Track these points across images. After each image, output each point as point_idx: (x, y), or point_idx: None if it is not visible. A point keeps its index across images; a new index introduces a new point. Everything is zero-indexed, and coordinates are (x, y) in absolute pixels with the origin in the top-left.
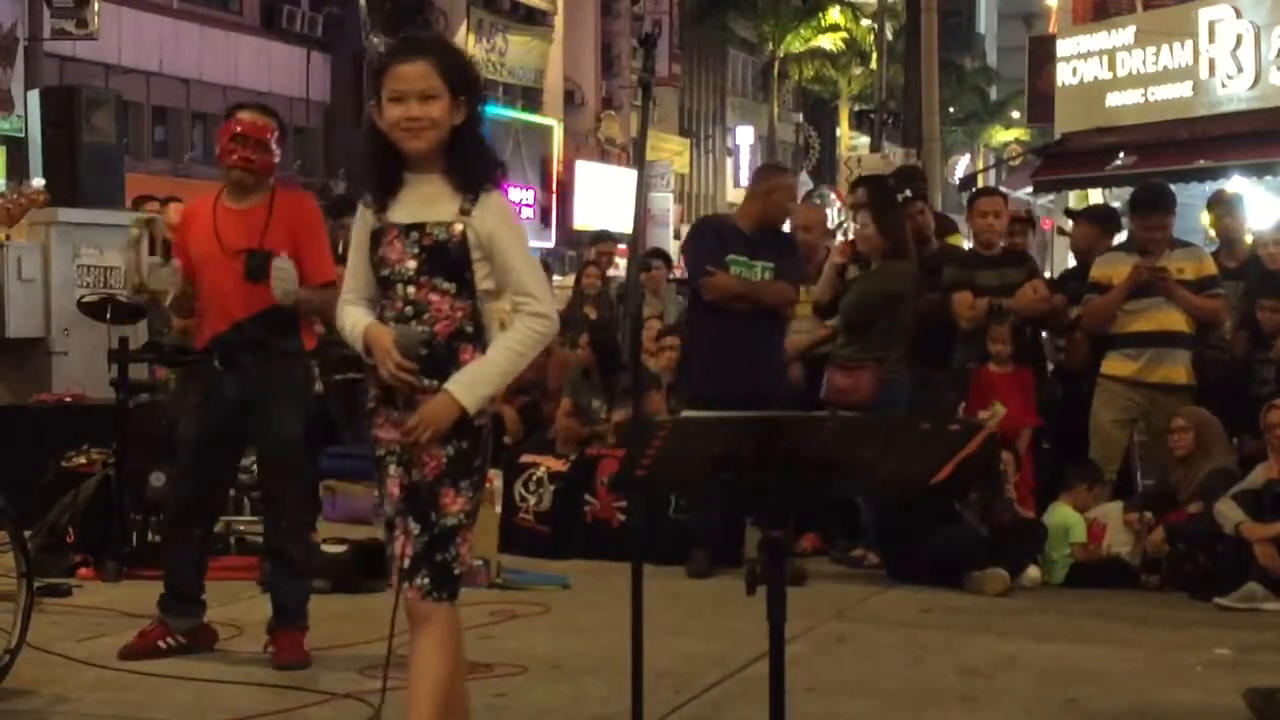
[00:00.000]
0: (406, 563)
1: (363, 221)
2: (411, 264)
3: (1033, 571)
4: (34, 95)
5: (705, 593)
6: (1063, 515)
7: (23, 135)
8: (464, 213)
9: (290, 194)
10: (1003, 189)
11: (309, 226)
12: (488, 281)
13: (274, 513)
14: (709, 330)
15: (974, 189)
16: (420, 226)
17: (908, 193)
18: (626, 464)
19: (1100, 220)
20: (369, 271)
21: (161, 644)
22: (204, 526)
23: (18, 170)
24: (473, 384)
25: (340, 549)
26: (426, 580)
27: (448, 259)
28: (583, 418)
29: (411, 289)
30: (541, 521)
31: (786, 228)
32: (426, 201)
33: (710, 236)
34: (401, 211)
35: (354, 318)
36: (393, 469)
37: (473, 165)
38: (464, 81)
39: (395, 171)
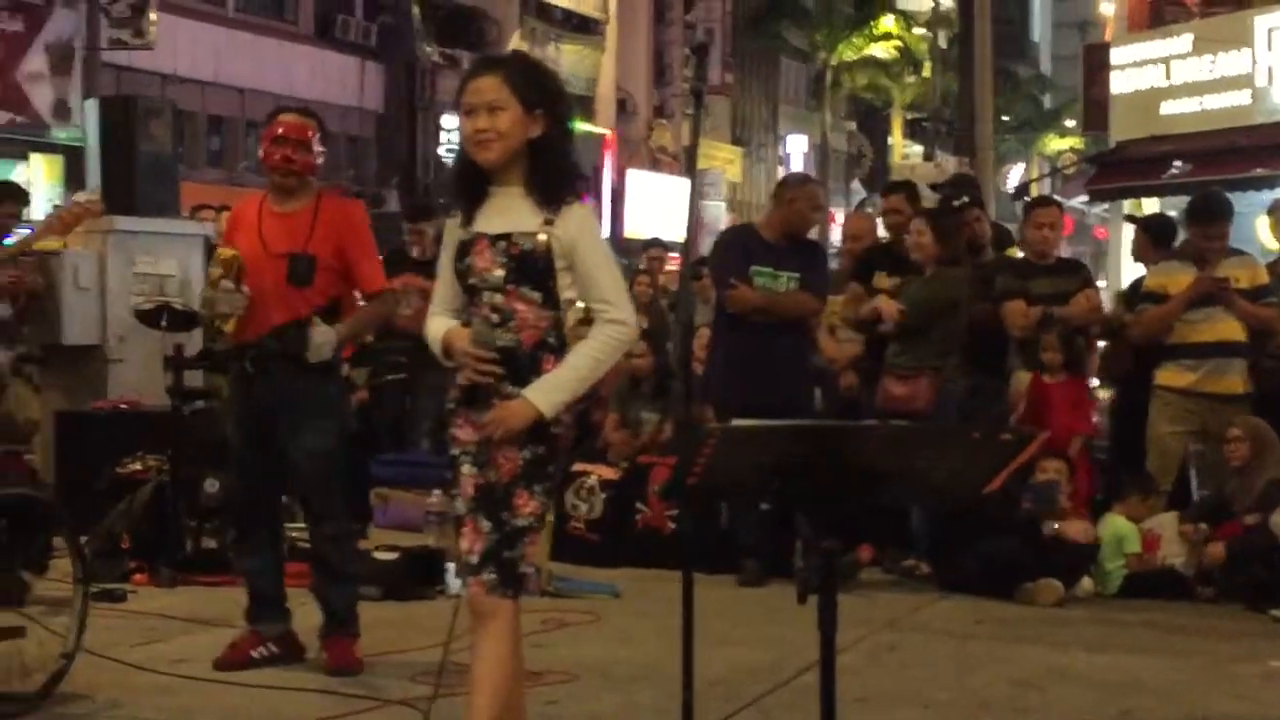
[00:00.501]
0: (474, 559)
1: (451, 233)
2: (499, 273)
3: (1086, 582)
4: (91, 105)
5: (756, 601)
6: (1116, 526)
7: (81, 144)
8: (547, 223)
9: (337, 200)
10: (1057, 198)
11: (357, 234)
12: (571, 291)
13: (313, 521)
14: (733, 343)
15: (1030, 198)
16: (507, 236)
17: (965, 199)
18: (678, 472)
19: (1149, 230)
20: (455, 283)
21: (254, 654)
22: (269, 529)
23: (76, 179)
24: (549, 390)
25: (392, 556)
26: (493, 575)
27: (534, 268)
28: (632, 430)
29: (499, 297)
30: (592, 529)
31: (807, 234)
32: (511, 213)
33: (735, 247)
34: (488, 222)
35: (436, 326)
36: (467, 468)
37: (550, 179)
38: (540, 95)
39: (481, 184)
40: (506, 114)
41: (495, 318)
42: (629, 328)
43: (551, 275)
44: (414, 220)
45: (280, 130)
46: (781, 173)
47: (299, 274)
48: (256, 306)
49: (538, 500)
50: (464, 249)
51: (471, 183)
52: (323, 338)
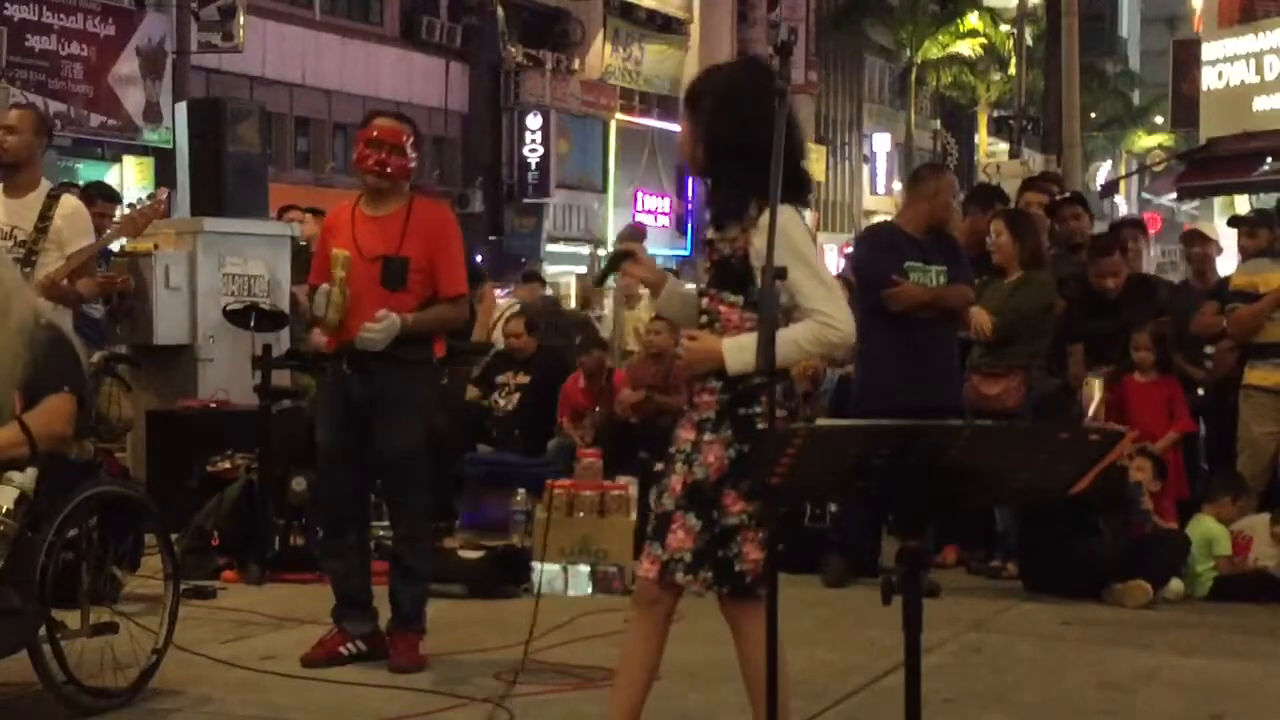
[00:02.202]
0: (688, 557)
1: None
2: (705, 276)
3: (1176, 584)
4: (181, 107)
5: (840, 602)
6: (1206, 527)
7: (170, 147)
8: (745, 229)
9: (429, 204)
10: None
11: (446, 237)
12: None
13: (393, 519)
14: (893, 343)
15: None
16: (711, 242)
17: (1066, 193)
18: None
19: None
20: None
21: (342, 650)
22: (356, 530)
23: (166, 181)
24: (742, 348)
25: (477, 555)
26: (710, 575)
27: (732, 272)
28: None
29: (705, 300)
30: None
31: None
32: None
33: (886, 246)
34: (710, 229)
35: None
36: (679, 466)
37: (729, 186)
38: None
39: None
40: (684, 124)
41: (704, 319)
42: (841, 330)
43: (751, 279)
44: None
45: (375, 134)
46: (866, 171)
47: (392, 277)
48: (353, 308)
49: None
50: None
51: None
52: (368, 332)
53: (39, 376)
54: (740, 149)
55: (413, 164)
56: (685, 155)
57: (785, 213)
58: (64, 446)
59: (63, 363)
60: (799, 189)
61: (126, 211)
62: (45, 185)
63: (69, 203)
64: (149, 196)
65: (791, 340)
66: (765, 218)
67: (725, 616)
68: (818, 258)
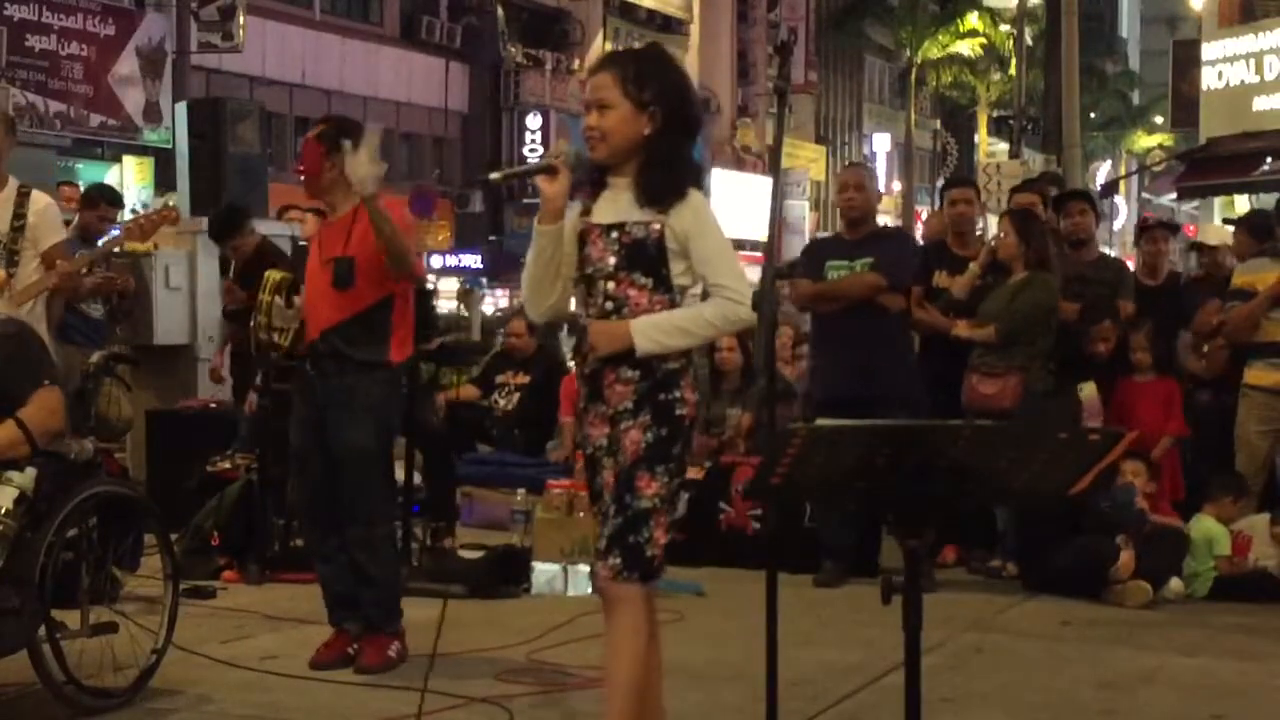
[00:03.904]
0: (601, 543)
1: (571, 224)
2: (611, 260)
3: (1176, 584)
4: (181, 107)
5: (841, 601)
6: (1206, 527)
7: (170, 147)
8: (661, 213)
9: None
10: (1145, 194)
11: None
12: (684, 278)
13: (348, 520)
14: (817, 337)
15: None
16: (620, 226)
17: (1058, 191)
18: (761, 472)
19: (1250, 227)
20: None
21: (350, 650)
22: (337, 532)
23: (166, 181)
24: (651, 327)
25: (477, 555)
26: (618, 560)
27: (645, 255)
28: (711, 429)
29: (611, 284)
30: (676, 528)
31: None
32: (622, 204)
33: (812, 251)
34: (602, 213)
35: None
36: (606, 462)
37: (656, 179)
38: (654, 92)
39: (602, 176)
40: (614, 113)
41: (609, 305)
42: (745, 307)
43: (664, 262)
44: None
45: (300, 165)
46: None
47: (340, 277)
48: (311, 312)
49: (660, 481)
50: (581, 239)
51: (594, 173)
52: (359, 166)
53: (16, 373)
54: (669, 134)
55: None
56: (603, 139)
57: (699, 196)
58: (59, 442)
59: (35, 355)
60: (701, 172)
61: (133, 215)
62: (14, 182)
63: (40, 199)
64: (163, 205)
65: (698, 316)
66: (687, 201)
67: (605, 602)
68: (726, 239)
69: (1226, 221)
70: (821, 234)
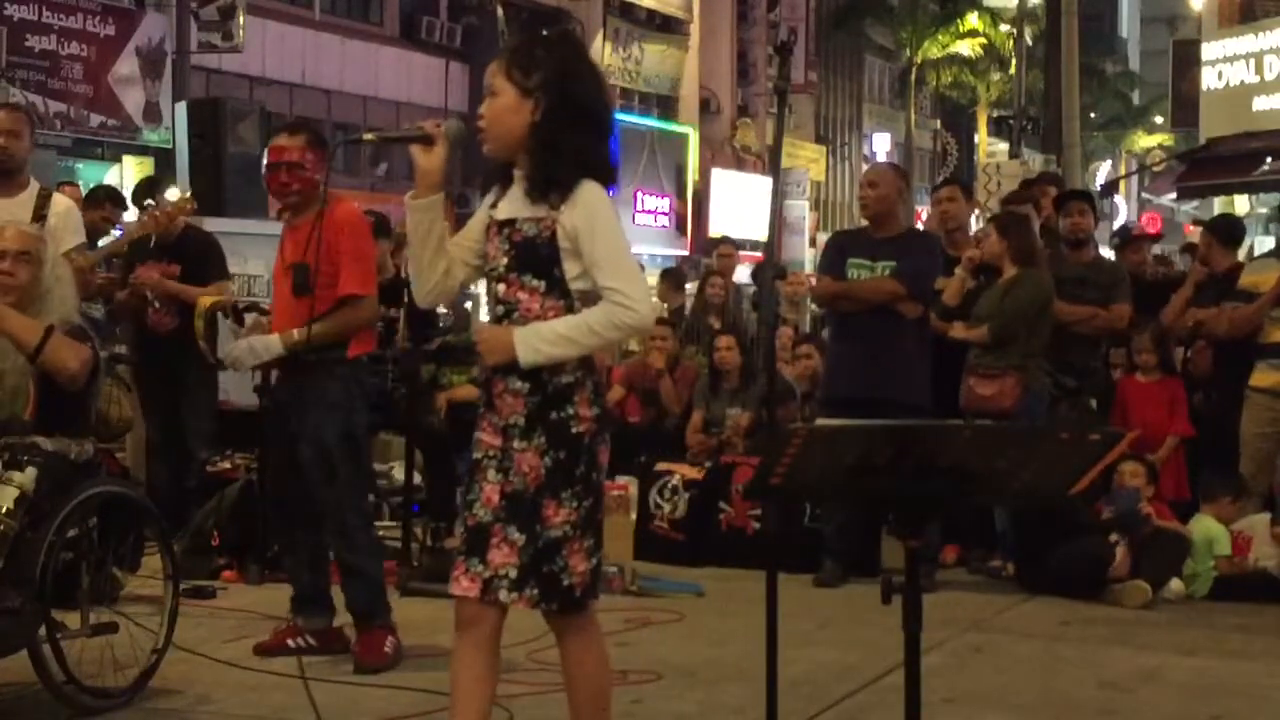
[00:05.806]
0: (513, 573)
1: (479, 219)
2: (503, 260)
3: (1176, 584)
4: (181, 107)
5: (840, 602)
6: (1206, 527)
7: (170, 147)
8: (553, 207)
9: (337, 208)
10: (1145, 194)
11: (343, 238)
12: (581, 281)
13: (322, 515)
14: (833, 335)
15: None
16: (512, 222)
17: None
18: (761, 472)
19: (1217, 232)
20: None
21: (290, 643)
22: (307, 528)
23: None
24: (535, 336)
25: None
26: (535, 591)
27: (536, 255)
28: (712, 429)
29: (502, 286)
30: (676, 529)
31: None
32: (518, 199)
33: (835, 247)
34: (504, 208)
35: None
36: (492, 474)
37: (545, 166)
38: (540, 78)
39: (508, 169)
40: (499, 100)
41: (500, 310)
42: (638, 315)
43: (556, 263)
44: None
45: (271, 158)
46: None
47: (299, 284)
48: (276, 316)
49: (568, 508)
50: (487, 236)
51: (499, 167)
52: (238, 350)
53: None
54: (567, 126)
55: (316, 174)
56: (495, 130)
57: (594, 190)
58: (66, 381)
59: (84, 329)
60: (610, 170)
61: (150, 206)
62: (35, 184)
63: (61, 201)
64: (172, 195)
65: (583, 324)
66: (578, 195)
67: (552, 630)
68: (624, 238)
69: (1197, 223)
70: (822, 234)
